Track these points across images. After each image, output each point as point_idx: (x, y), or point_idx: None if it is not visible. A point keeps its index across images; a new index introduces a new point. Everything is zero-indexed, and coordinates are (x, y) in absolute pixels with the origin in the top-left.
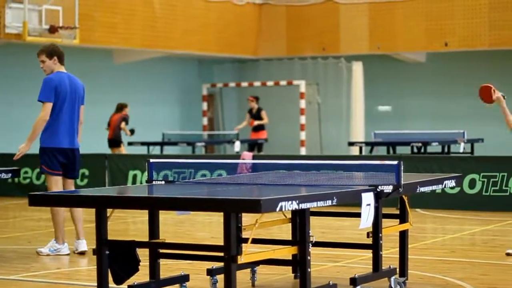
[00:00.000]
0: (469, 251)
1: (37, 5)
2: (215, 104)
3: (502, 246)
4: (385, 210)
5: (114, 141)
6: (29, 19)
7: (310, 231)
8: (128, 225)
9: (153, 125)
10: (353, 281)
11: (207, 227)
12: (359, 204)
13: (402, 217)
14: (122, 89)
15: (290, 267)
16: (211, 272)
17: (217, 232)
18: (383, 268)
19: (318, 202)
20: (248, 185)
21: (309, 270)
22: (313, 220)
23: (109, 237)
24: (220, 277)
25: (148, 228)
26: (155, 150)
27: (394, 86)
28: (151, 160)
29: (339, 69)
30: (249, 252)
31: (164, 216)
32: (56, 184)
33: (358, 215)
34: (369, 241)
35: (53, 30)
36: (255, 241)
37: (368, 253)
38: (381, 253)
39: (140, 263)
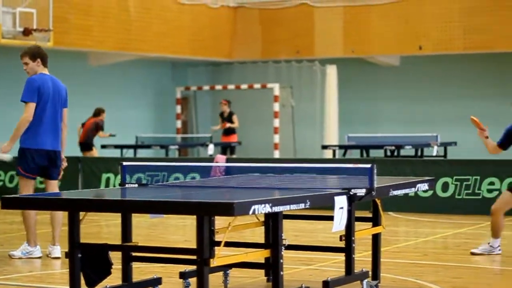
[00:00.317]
0: (441, 254)
1: (11, 7)
2: (189, 107)
3: (480, 254)
4: (358, 213)
5: (86, 145)
6: (3, 21)
7: (283, 234)
8: (101, 228)
9: (126, 128)
10: (326, 284)
11: (181, 230)
12: (332, 207)
13: (375, 220)
14: (96, 92)
15: (263, 270)
16: (183, 275)
17: (190, 235)
18: (355, 271)
19: (291, 205)
20: (221, 188)
21: (281, 273)
22: (286, 223)
23: (82, 240)
24: (193, 280)
25: (121, 231)
26: (129, 153)
27: (368, 90)
28: (125, 163)
29: (313, 72)
30: (222, 255)
31: (137, 219)
32: (28, 187)
33: (331, 218)
34: (342, 244)
35: (27, 32)
36: (228, 244)
37: (341, 256)
38: (353, 256)
39: (113, 266)
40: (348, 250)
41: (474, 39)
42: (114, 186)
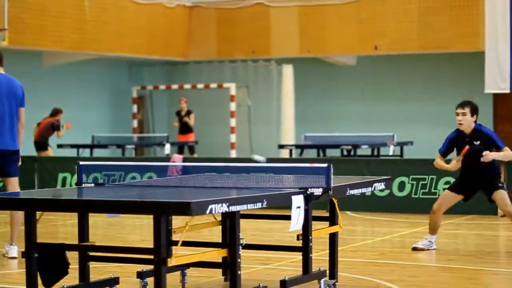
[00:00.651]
0: (398, 254)
1: None
2: (145, 107)
3: (429, 249)
4: (315, 213)
5: (41, 144)
6: None
7: (240, 234)
8: (58, 228)
9: (83, 127)
10: (283, 283)
11: (138, 230)
12: (289, 207)
13: (332, 220)
14: (51, 92)
15: (220, 270)
16: (141, 275)
17: (147, 235)
18: (313, 270)
19: (248, 205)
20: (178, 188)
21: (239, 272)
22: (243, 223)
23: (39, 240)
24: (150, 280)
25: (78, 231)
26: (85, 152)
27: (324, 89)
28: (81, 163)
29: (269, 72)
30: (179, 255)
31: (94, 219)
32: None
33: (288, 217)
34: (299, 243)
35: None
36: (185, 243)
37: (298, 256)
38: (311, 255)
39: (70, 266)
40: (305, 249)
41: (429, 39)
42: (71, 185)
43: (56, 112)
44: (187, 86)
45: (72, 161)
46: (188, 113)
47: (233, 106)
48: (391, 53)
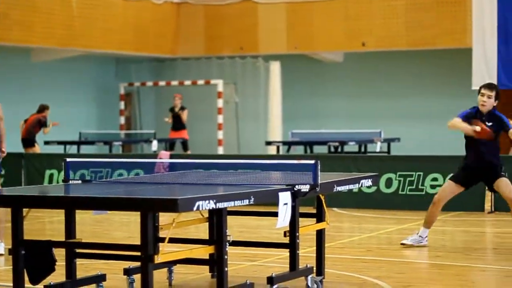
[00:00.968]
0: (385, 250)
1: None
2: (133, 103)
3: (419, 245)
4: (302, 209)
5: (28, 141)
6: None
7: (227, 231)
8: (45, 224)
9: (70, 124)
10: (270, 280)
11: (125, 227)
12: (276, 204)
13: (319, 216)
14: (39, 88)
15: (207, 267)
16: (128, 272)
17: (134, 231)
18: (300, 267)
19: (235, 202)
20: (165, 185)
21: (226, 269)
22: (231, 220)
23: (25, 237)
24: (137, 277)
25: (65, 227)
26: (72, 149)
27: (311, 86)
28: (68, 160)
29: (256, 69)
30: (166, 252)
31: (81, 216)
32: None
33: (275, 214)
34: (286, 240)
35: None
36: (172, 240)
37: (285, 252)
38: (298, 252)
39: (57, 263)
40: (292, 246)
41: (417, 35)
42: (58, 182)
43: (43, 109)
44: (175, 82)
45: (59, 158)
46: (182, 109)
47: (220, 102)
48: (379, 49)
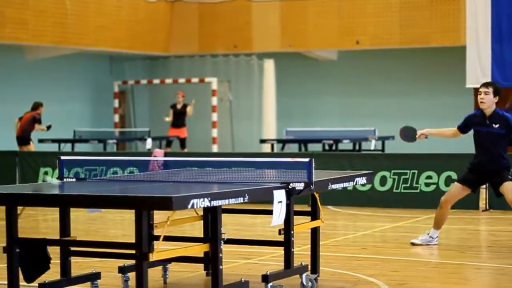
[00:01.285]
0: (380, 248)
1: None
2: (127, 101)
3: (429, 245)
4: (297, 207)
5: (23, 139)
6: None
7: (222, 229)
8: (39, 223)
9: (64, 122)
10: (265, 278)
11: (119, 225)
12: (271, 201)
13: (314, 214)
14: (33, 86)
15: (202, 264)
16: (122, 270)
17: (129, 229)
18: (294, 265)
19: (230, 200)
20: (160, 183)
21: (221, 267)
22: (225, 218)
23: (20, 235)
24: (132, 275)
25: (59, 225)
26: (66, 147)
27: (306, 84)
28: (62, 158)
29: (250, 67)
30: (161, 250)
31: (76, 214)
32: None
33: (270, 212)
34: (281, 238)
35: None
36: (167, 238)
37: (280, 250)
38: (292, 250)
39: (51, 261)
40: (287, 244)
41: (410, 33)
42: None
43: (37, 106)
44: (169, 80)
45: (53, 156)
46: (185, 106)
47: (214, 100)
48: (373, 47)
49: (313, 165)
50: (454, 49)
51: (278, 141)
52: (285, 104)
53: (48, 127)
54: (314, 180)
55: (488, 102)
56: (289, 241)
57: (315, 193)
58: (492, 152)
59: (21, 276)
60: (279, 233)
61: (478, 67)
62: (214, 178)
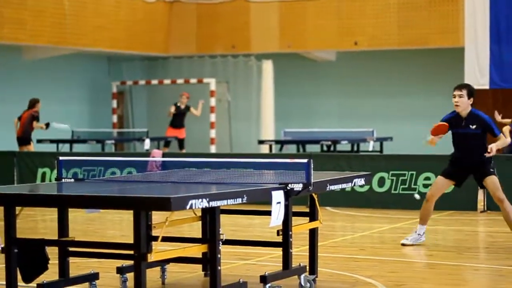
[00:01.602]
0: (378, 249)
1: None
2: (125, 102)
3: (418, 242)
4: (295, 208)
5: (24, 139)
6: None
7: (220, 229)
8: (37, 223)
9: (62, 122)
10: (263, 279)
11: (117, 225)
12: (269, 202)
13: (312, 215)
14: (31, 86)
15: (200, 265)
16: (121, 270)
17: (127, 230)
18: (293, 266)
19: (228, 200)
20: (158, 183)
21: (219, 268)
22: (223, 218)
23: (18, 236)
24: (130, 275)
25: (58, 226)
26: (65, 147)
27: (304, 85)
28: (61, 158)
29: (249, 67)
30: (159, 250)
31: (74, 214)
32: None
33: (268, 213)
34: (279, 239)
35: None
36: (165, 239)
37: (278, 251)
38: (291, 251)
39: (50, 262)
40: (285, 244)
41: (409, 34)
42: (50, 181)
43: (34, 103)
44: (167, 81)
45: (51, 156)
46: (188, 108)
47: (213, 101)
48: (371, 48)
49: (312, 166)
50: (452, 50)
51: (276, 142)
52: (283, 105)
53: (47, 125)
54: (312, 181)
55: (463, 104)
56: (287, 242)
57: (313, 194)
58: (471, 151)
59: (19, 277)
60: (278, 234)
61: (477, 68)
62: (212, 179)
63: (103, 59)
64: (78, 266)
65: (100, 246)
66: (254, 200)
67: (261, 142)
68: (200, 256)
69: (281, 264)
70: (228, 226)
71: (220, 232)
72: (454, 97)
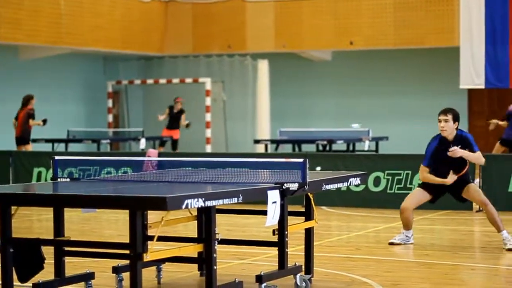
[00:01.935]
0: (374, 249)
1: None
2: (120, 101)
3: (406, 244)
4: (291, 208)
5: (22, 139)
6: None
7: (216, 229)
8: (33, 222)
9: (58, 122)
10: (259, 278)
11: (113, 225)
12: (265, 202)
13: (308, 215)
14: (27, 86)
15: (196, 265)
16: (116, 270)
17: (123, 229)
18: (288, 265)
19: (224, 200)
20: (154, 183)
21: (215, 267)
22: (219, 218)
23: (14, 235)
24: (126, 275)
25: (53, 225)
26: (60, 147)
27: (300, 84)
28: (56, 157)
29: (244, 67)
30: (155, 250)
31: (70, 214)
32: None
33: (264, 212)
34: (275, 238)
35: None
36: (161, 238)
37: (274, 251)
38: (286, 250)
39: (45, 261)
40: (281, 244)
41: (405, 34)
42: (46, 180)
43: (28, 100)
44: (163, 81)
45: (47, 156)
46: (181, 112)
47: (208, 101)
48: (367, 48)
49: (307, 166)
50: (448, 50)
51: (272, 141)
52: (279, 104)
53: (44, 122)
54: (308, 180)
55: (449, 129)
56: (283, 241)
57: (309, 194)
58: (453, 171)
59: (15, 276)
60: (273, 234)
61: (472, 68)
62: (208, 179)
63: (99, 59)
64: (74, 265)
65: (96, 246)
66: (249, 199)
67: (256, 141)
68: (196, 255)
69: (277, 264)
70: (224, 226)
71: (216, 232)
72: (440, 121)
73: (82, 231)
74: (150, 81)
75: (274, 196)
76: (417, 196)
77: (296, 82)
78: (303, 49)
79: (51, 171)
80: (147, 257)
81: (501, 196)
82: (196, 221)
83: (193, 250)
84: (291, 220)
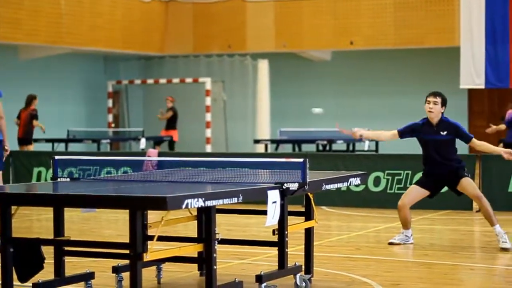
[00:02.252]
0: (374, 248)
1: None
2: (121, 101)
3: (406, 244)
4: (291, 208)
5: (25, 139)
6: None
7: (216, 229)
8: (33, 222)
9: (58, 122)
10: (259, 278)
11: (113, 225)
12: (265, 202)
13: (308, 215)
14: (27, 86)
15: (196, 265)
16: (116, 270)
17: (123, 229)
18: (288, 265)
19: (224, 200)
20: (154, 183)
21: (215, 267)
22: (219, 218)
23: (14, 235)
24: (126, 275)
25: (53, 225)
26: (60, 147)
27: (300, 84)
28: (56, 157)
29: (245, 67)
30: (155, 250)
31: (70, 213)
32: None
33: (264, 212)
34: (275, 238)
35: None
36: (161, 238)
37: (274, 251)
38: (286, 250)
39: (45, 261)
40: (281, 244)
41: (405, 34)
42: (46, 180)
43: (31, 100)
44: (163, 80)
45: (47, 156)
46: (168, 110)
47: (208, 100)
48: (367, 48)
49: (307, 165)
50: (448, 50)
51: (272, 141)
52: (279, 104)
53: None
54: (308, 180)
55: (436, 111)
56: (283, 241)
57: (309, 194)
58: (441, 158)
59: (15, 276)
60: (273, 234)
61: (472, 68)
62: (208, 178)
63: (99, 59)
64: (74, 265)
65: (95, 246)
66: (249, 199)
67: (256, 141)
68: (196, 255)
69: (277, 264)
70: (224, 226)
71: (216, 232)
72: (429, 103)
73: (82, 231)
74: (150, 81)
75: (274, 196)
76: (413, 193)
77: (296, 82)
78: (303, 49)
79: (51, 171)
80: (147, 257)
81: (501, 196)
82: (196, 221)
83: (193, 250)
84: (291, 220)
